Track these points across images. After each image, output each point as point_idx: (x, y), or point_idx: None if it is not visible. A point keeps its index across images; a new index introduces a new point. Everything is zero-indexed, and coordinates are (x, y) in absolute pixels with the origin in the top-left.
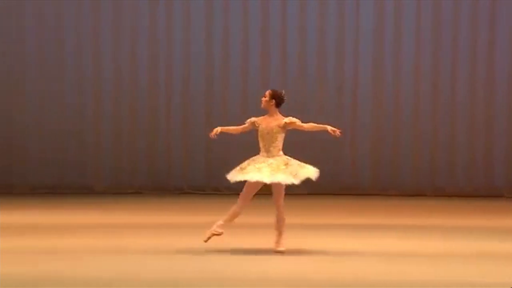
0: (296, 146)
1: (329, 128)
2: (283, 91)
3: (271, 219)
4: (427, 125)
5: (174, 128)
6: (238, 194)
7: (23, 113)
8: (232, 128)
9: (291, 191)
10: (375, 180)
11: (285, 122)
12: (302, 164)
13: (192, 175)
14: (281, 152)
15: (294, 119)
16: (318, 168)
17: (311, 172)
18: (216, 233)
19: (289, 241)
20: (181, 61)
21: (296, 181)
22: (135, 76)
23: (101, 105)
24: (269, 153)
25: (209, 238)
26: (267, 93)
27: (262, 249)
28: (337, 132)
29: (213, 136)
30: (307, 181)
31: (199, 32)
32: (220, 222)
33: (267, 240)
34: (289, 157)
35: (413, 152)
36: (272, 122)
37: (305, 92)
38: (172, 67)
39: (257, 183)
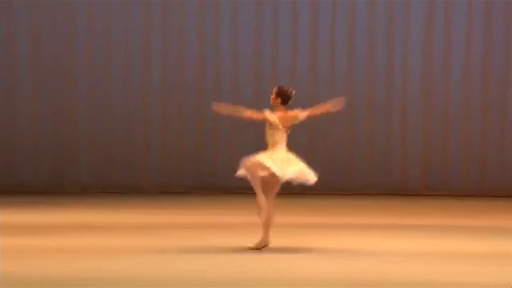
0: (346, 146)
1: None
2: (290, 88)
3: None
4: (477, 126)
5: (222, 129)
6: (285, 194)
7: (73, 115)
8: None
9: (341, 191)
10: (424, 181)
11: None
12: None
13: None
14: (281, 146)
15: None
16: (368, 168)
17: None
18: (258, 247)
19: (331, 240)
20: (229, 61)
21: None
22: (183, 76)
23: (149, 106)
24: (269, 149)
25: (253, 249)
26: (274, 90)
27: (293, 248)
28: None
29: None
30: (356, 181)
31: (247, 31)
32: (263, 236)
33: (298, 240)
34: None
35: (463, 152)
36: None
37: (354, 92)
38: (220, 67)
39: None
